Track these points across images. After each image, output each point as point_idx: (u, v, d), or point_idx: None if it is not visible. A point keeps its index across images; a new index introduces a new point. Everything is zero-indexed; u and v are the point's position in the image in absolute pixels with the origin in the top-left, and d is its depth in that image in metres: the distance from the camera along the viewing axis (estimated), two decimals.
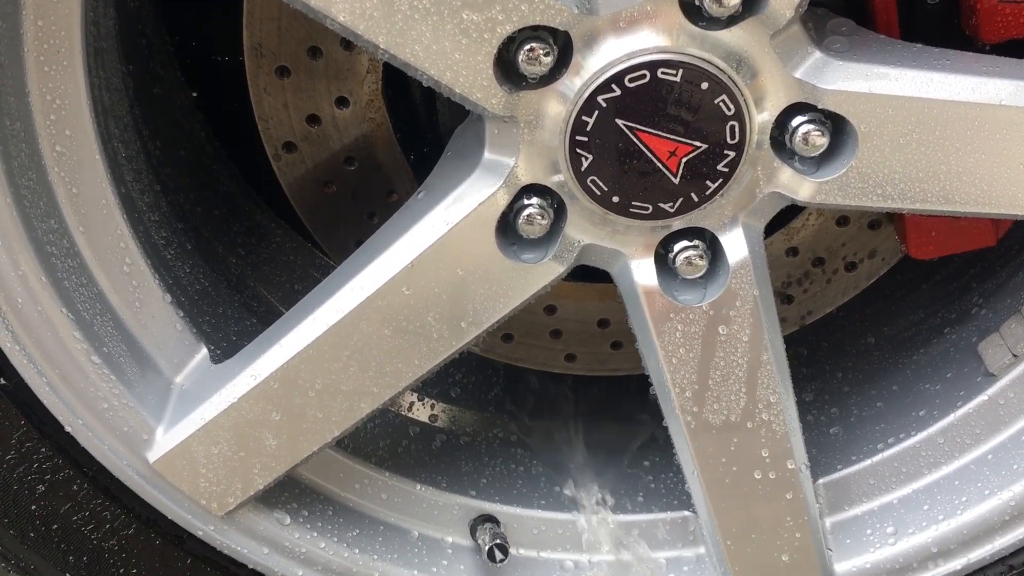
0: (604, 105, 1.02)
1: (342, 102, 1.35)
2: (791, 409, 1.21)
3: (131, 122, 1.22)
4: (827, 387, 1.48)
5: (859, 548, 1.30)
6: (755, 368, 1.17)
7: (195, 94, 1.45)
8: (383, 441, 1.37)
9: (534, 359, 1.51)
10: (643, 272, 1.14)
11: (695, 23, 1.00)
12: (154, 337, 1.17)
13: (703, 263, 1.13)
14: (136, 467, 1.16)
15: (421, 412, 1.46)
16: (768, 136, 1.06)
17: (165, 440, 1.16)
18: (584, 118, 1.03)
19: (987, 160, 1.04)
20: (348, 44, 1.31)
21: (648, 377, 1.20)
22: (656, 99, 1.02)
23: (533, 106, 1.03)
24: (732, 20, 1.00)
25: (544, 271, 1.12)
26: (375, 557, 1.28)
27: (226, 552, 1.22)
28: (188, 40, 1.45)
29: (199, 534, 1.20)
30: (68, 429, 1.13)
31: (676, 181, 1.07)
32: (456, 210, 1.09)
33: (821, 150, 1.06)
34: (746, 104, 1.03)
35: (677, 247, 1.12)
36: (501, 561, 1.28)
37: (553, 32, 1.00)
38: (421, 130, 1.40)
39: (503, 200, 1.08)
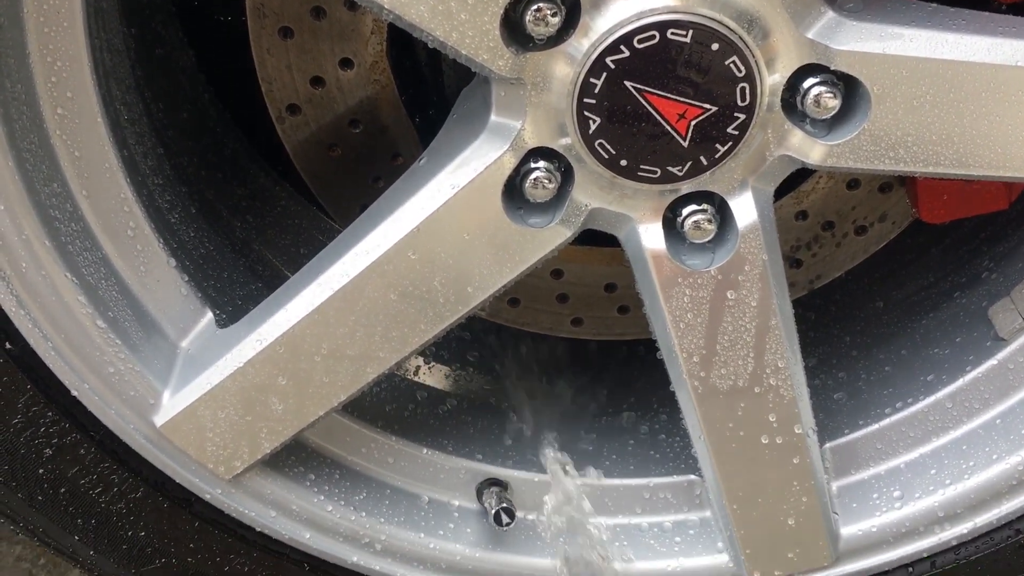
0: (612, 67, 1.01)
1: (346, 64, 1.33)
2: (799, 374, 1.20)
3: (133, 84, 1.21)
4: (835, 351, 1.48)
5: (865, 512, 1.30)
6: (763, 333, 1.16)
7: (197, 56, 1.43)
8: (389, 405, 1.37)
9: (540, 323, 1.50)
10: (651, 236, 1.13)
11: None
12: (159, 301, 1.17)
13: (712, 227, 1.12)
14: (143, 431, 1.17)
15: (428, 376, 1.46)
16: (779, 98, 1.05)
17: (171, 404, 1.16)
18: (592, 80, 1.01)
19: (1002, 122, 1.02)
20: (352, 4, 1.29)
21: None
22: (665, 60, 1.00)
23: (540, 68, 1.02)
24: None
25: (551, 235, 1.11)
26: (382, 520, 1.28)
27: (233, 515, 1.22)
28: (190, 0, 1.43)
29: (206, 497, 1.21)
30: (74, 393, 1.13)
31: (685, 144, 1.05)
32: (462, 174, 1.07)
33: (833, 112, 1.04)
34: (757, 65, 1.02)
35: (686, 211, 1.11)
36: (507, 525, 1.28)
37: None
38: (426, 92, 1.38)
39: (510, 163, 1.06)
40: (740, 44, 1.00)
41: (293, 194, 1.50)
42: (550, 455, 1.33)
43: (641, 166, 1.07)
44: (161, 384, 1.16)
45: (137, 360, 1.14)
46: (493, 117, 1.06)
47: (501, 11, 0.97)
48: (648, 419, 1.46)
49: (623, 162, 1.06)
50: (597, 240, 1.19)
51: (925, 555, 1.30)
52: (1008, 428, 1.27)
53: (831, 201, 1.43)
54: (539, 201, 1.09)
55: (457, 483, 1.33)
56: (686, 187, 1.10)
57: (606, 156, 1.06)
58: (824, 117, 1.05)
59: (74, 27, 1.02)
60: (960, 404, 1.29)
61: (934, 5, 1.05)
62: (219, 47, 1.42)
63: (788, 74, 1.03)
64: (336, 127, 1.38)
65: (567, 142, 1.06)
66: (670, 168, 1.07)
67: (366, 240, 1.10)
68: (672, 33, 1.00)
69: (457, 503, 1.33)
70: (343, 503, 1.27)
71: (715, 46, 1.00)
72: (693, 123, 1.04)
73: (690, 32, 0.99)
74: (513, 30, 1.00)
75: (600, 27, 1.00)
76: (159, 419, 1.16)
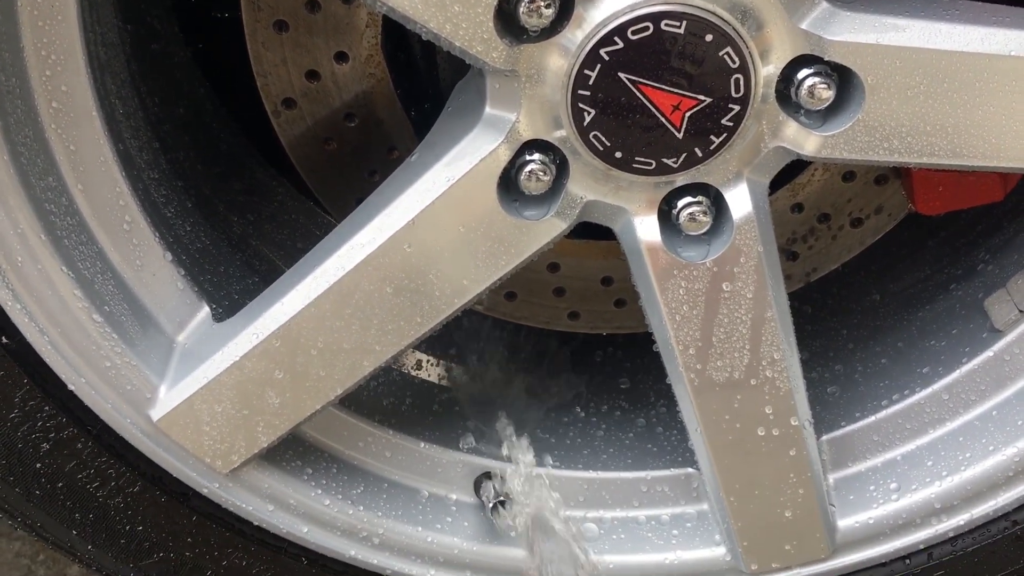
0: (607, 58, 1.01)
1: (341, 57, 1.33)
2: (795, 366, 1.20)
3: (128, 78, 1.21)
4: (832, 344, 1.48)
5: (863, 504, 1.31)
6: (759, 325, 1.16)
7: (194, 50, 1.43)
8: (387, 399, 1.37)
9: (537, 317, 1.51)
10: (646, 228, 1.13)
11: None
12: (155, 296, 1.17)
13: (707, 219, 1.12)
14: (140, 425, 1.17)
15: (426, 370, 1.46)
16: (773, 89, 1.05)
17: (168, 398, 1.16)
18: (586, 72, 1.02)
19: (996, 113, 1.02)
20: None
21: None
22: (659, 52, 1.01)
23: (535, 60, 1.02)
24: None
25: (546, 228, 1.11)
26: (379, 514, 1.28)
27: (231, 509, 1.23)
28: None
29: (204, 491, 1.21)
30: (71, 387, 1.13)
31: (680, 136, 1.05)
32: (457, 166, 1.07)
33: (827, 103, 1.04)
34: (751, 57, 1.02)
35: (681, 203, 1.11)
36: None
37: None
38: (421, 85, 1.38)
39: (505, 156, 1.07)
40: (734, 35, 1.00)
41: (290, 189, 1.50)
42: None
43: (636, 158, 1.07)
44: (158, 378, 1.16)
45: (133, 354, 1.14)
46: (488, 109, 1.06)
47: (495, 3, 0.97)
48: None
49: (618, 154, 1.06)
50: (593, 233, 1.19)
51: (922, 547, 1.31)
52: (1004, 419, 1.27)
53: (827, 193, 1.43)
54: (534, 193, 1.09)
55: (455, 476, 1.33)
56: (681, 179, 1.10)
57: (601, 148, 1.06)
58: (818, 108, 1.05)
59: (68, 20, 1.02)
60: (956, 396, 1.30)
61: None
62: (215, 41, 1.42)
63: (782, 65, 1.04)
64: (332, 121, 1.38)
65: (562, 134, 1.06)
66: (665, 160, 1.07)
67: (361, 233, 1.11)
68: (666, 24, 1.00)
69: (455, 496, 1.34)
70: (340, 497, 1.27)
71: (709, 37, 1.00)
72: (688, 115, 1.04)
73: (684, 23, 1.00)
74: (507, 22, 1.00)
75: (594, 18, 1.00)
76: (156, 413, 1.16)
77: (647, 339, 1.21)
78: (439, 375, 1.46)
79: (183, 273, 1.18)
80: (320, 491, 1.26)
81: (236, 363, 1.14)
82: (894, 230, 1.49)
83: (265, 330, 1.13)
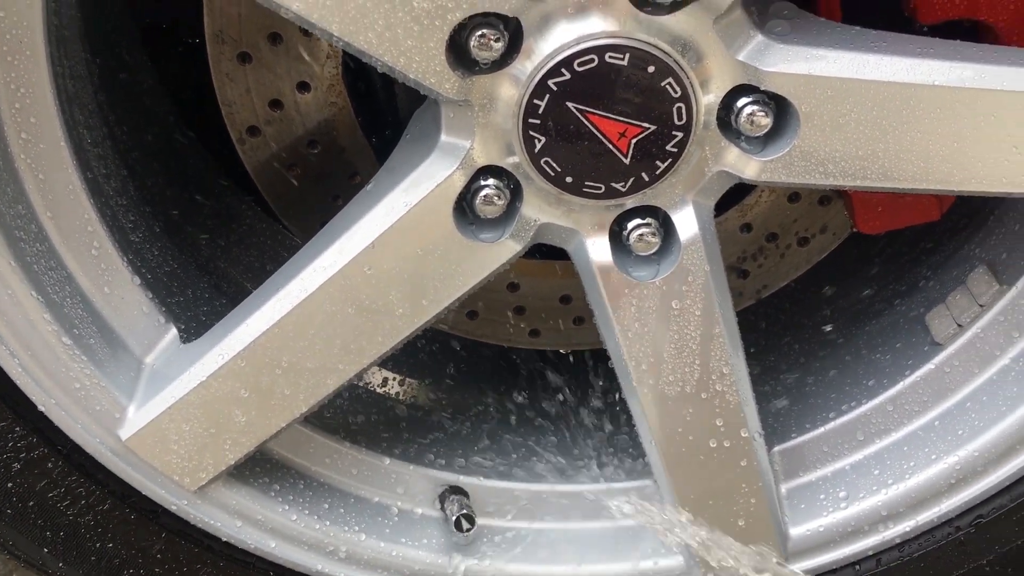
0: (555, 89, 1.05)
1: (303, 87, 1.37)
2: (744, 380, 1.24)
3: (96, 108, 1.24)
4: (784, 358, 1.53)
5: (813, 512, 1.35)
6: (708, 340, 1.21)
7: (162, 79, 1.47)
8: (352, 416, 1.40)
9: (498, 335, 1.55)
10: (598, 249, 1.17)
11: (641, 8, 1.03)
12: (123, 319, 1.20)
13: (656, 240, 1.16)
14: (109, 445, 1.20)
15: (390, 387, 1.49)
16: (715, 117, 1.09)
17: (137, 418, 1.19)
18: (536, 101, 1.06)
19: (922, 138, 1.07)
20: (308, 30, 1.33)
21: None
22: (605, 82, 1.05)
23: (486, 90, 1.06)
24: (676, 6, 1.03)
25: (502, 249, 1.15)
26: (346, 529, 1.31)
27: (199, 525, 1.25)
28: (155, 25, 1.47)
29: (172, 508, 1.24)
30: (41, 409, 1.16)
31: (627, 161, 1.10)
32: (415, 192, 1.11)
33: (765, 130, 1.09)
34: (692, 86, 1.06)
35: (631, 225, 1.16)
36: (468, 531, 1.32)
37: (503, 18, 1.03)
38: (382, 113, 1.42)
39: (460, 181, 1.11)
40: (675, 66, 1.05)
41: (258, 212, 1.53)
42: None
43: (586, 183, 1.11)
44: (126, 398, 1.19)
45: (102, 376, 1.17)
46: (443, 137, 1.11)
47: (446, 37, 1.01)
48: None
49: (568, 179, 1.11)
50: (552, 253, 1.23)
51: (871, 553, 1.35)
52: (945, 429, 1.32)
53: (774, 214, 1.48)
54: (489, 217, 1.13)
55: (420, 491, 1.36)
56: (630, 202, 1.14)
57: (552, 174, 1.10)
58: (757, 134, 1.10)
59: (36, 56, 1.05)
60: (900, 407, 1.34)
61: (857, 28, 1.10)
62: (183, 71, 1.46)
63: (722, 94, 1.08)
64: (295, 148, 1.42)
65: (515, 160, 1.11)
66: (613, 184, 1.12)
67: (323, 256, 1.14)
68: (610, 56, 1.04)
69: (420, 511, 1.36)
70: (307, 512, 1.30)
71: (651, 69, 1.05)
72: (634, 141, 1.09)
73: (627, 55, 1.04)
74: (459, 55, 1.04)
75: (542, 51, 1.04)
76: (124, 432, 1.19)
77: None
78: (404, 392, 1.50)
79: (151, 296, 1.21)
80: (287, 506, 1.29)
81: (203, 383, 1.17)
82: (843, 249, 1.54)
83: (230, 351, 1.16)
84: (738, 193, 1.39)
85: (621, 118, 1.07)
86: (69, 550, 1.25)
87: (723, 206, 1.44)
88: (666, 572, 1.36)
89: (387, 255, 1.13)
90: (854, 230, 1.43)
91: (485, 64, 1.05)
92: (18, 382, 1.14)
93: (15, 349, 1.13)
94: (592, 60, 1.04)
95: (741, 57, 1.06)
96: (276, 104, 1.38)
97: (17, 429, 1.16)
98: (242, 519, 1.27)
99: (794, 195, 1.47)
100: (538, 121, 1.07)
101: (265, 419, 1.20)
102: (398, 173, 1.14)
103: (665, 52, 1.05)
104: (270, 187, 1.45)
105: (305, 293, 1.14)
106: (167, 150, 1.48)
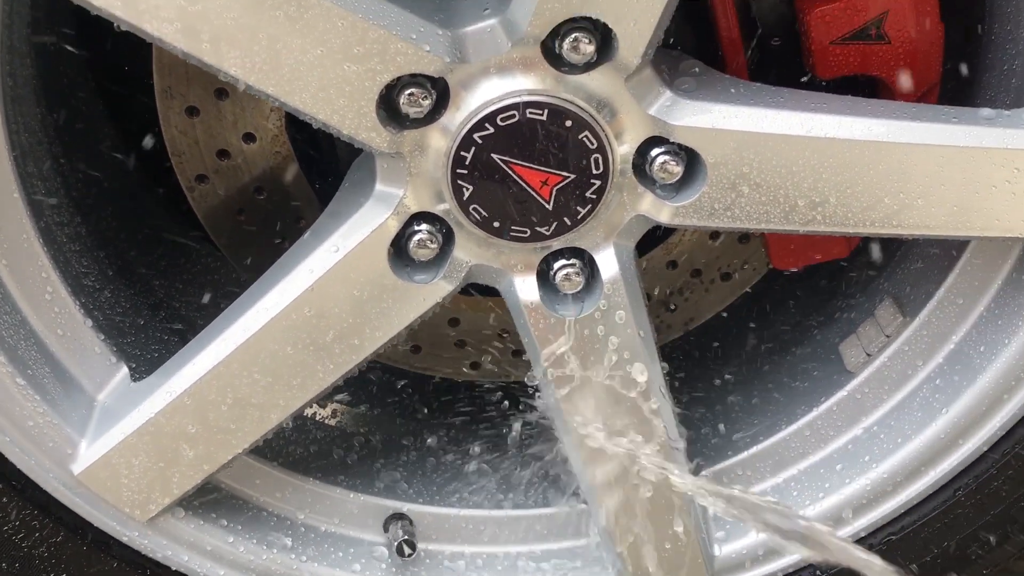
0: (480, 141, 1.13)
1: (250, 138, 1.44)
2: (668, 413, 1.31)
3: (51, 160, 1.30)
4: (713, 387, 1.60)
5: (737, 533, 1.40)
6: (630, 372, 1.28)
7: (117, 128, 1.53)
8: (299, 447, 1.46)
9: (441, 368, 1.61)
10: (526, 288, 1.24)
11: (557, 68, 1.11)
12: (76, 359, 1.25)
13: (580, 279, 1.23)
14: (62, 479, 1.24)
15: (334, 417, 1.55)
16: (631, 165, 1.17)
17: (89, 453, 1.24)
18: (463, 153, 1.14)
19: (817, 186, 1.15)
20: None
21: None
22: (527, 135, 1.13)
23: (417, 143, 1.14)
24: (589, 66, 1.11)
25: (435, 290, 1.21)
26: (293, 556, 1.36)
27: (150, 555, 1.30)
28: (109, 76, 1.53)
29: (124, 539, 1.28)
30: None
31: (550, 207, 1.17)
32: (352, 237, 1.18)
33: (677, 178, 1.17)
34: (607, 138, 1.14)
35: (556, 265, 1.23)
36: (409, 555, 1.37)
37: (431, 78, 1.10)
38: (324, 162, 1.49)
39: (394, 227, 1.17)
40: (591, 120, 1.13)
41: (213, 251, 1.59)
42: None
43: (512, 227, 1.19)
44: (79, 435, 1.24)
45: (55, 414, 1.23)
46: (378, 186, 1.18)
47: (376, 96, 1.09)
48: None
49: (496, 224, 1.18)
50: (490, 290, 1.30)
51: (791, 570, 1.42)
52: (857, 453, 1.39)
53: (697, 251, 1.56)
54: (423, 260, 1.20)
55: (366, 518, 1.41)
56: (555, 244, 1.21)
57: (480, 219, 1.18)
58: (670, 182, 1.17)
59: None
60: (817, 432, 1.41)
61: (759, 84, 1.19)
62: (137, 120, 1.52)
63: (636, 145, 1.16)
64: (243, 194, 1.48)
65: (445, 207, 1.18)
66: (538, 228, 1.19)
67: (266, 298, 1.20)
68: (531, 112, 1.12)
69: (367, 537, 1.41)
70: (255, 541, 1.35)
71: (569, 123, 1.13)
72: (555, 189, 1.17)
73: (546, 111, 1.12)
74: (390, 111, 1.11)
75: (468, 107, 1.12)
76: (77, 467, 1.24)
77: None
78: (349, 422, 1.56)
79: (103, 338, 1.26)
80: (234, 537, 1.34)
81: (151, 419, 1.22)
82: (768, 283, 1.63)
83: (179, 388, 1.22)
84: (663, 233, 1.47)
85: (543, 168, 1.15)
86: None
87: (650, 244, 1.54)
88: None
89: (326, 297, 1.19)
90: (770, 267, 1.52)
91: (415, 119, 1.12)
92: None
93: None
94: (514, 115, 1.12)
95: (652, 112, 1.14)
96: (223, 154, 1.45)
97: None
98: (191, 549, 1.32)
99: (715, 234, 1.55)
100: (466, 171, 1.15)
101: (212, 453, 1.25)
102: (337, 219, 1.21)
103: (581, 108, 1.13)
104: (219, 231, 1.51)
105: (249, 333, 1.20)
106: (121, 195, 1.54)
